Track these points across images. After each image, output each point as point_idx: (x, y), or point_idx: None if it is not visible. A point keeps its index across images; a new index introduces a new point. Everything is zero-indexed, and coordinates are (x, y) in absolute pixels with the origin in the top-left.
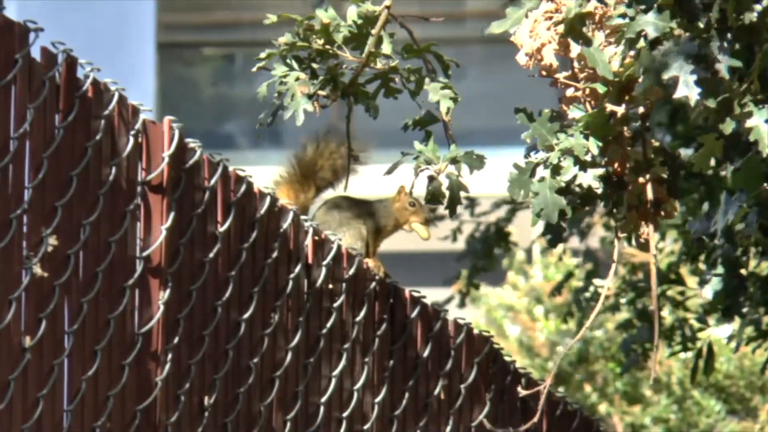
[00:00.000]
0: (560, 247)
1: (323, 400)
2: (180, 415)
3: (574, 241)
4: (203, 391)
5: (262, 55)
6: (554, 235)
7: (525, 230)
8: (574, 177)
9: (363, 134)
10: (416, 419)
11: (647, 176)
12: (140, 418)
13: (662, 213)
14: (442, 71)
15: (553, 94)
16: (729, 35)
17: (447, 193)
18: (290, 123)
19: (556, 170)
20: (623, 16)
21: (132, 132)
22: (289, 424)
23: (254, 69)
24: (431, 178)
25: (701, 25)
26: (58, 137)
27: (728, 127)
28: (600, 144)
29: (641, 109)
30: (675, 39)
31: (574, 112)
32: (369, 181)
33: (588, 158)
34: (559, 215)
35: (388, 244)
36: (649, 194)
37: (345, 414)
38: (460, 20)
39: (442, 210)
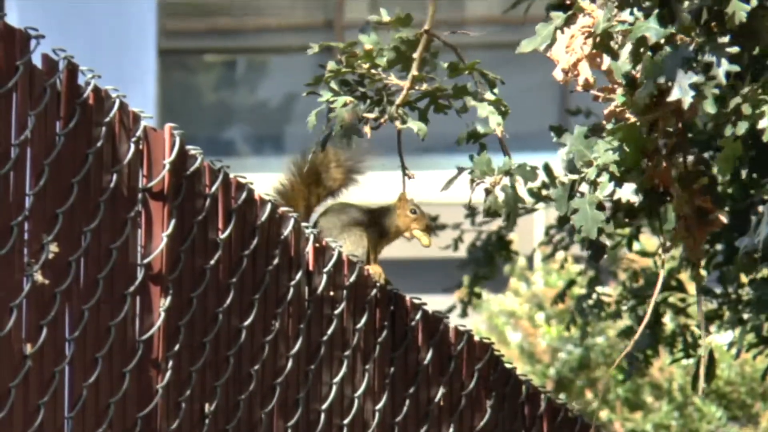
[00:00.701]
0: (561, 253)
1: (324, 407)
2: (181, 422)
3: (576, 248)
4: (204, 398)
5: (311, 80)
6: (595, 250)
7: (526, 236)
8: (613, 192)
9: (370, 143)
10: (417, 426)
11: (692, 187)
12: (141, 425)
13: (709, 223)
14: (488, 87)
15: (556, 100)
16: (727, 39)
17: (504, 206)
18: (290, 129)
19: (594, 186)
20: (625, 22)
21: (133, 139)
22: (290, 431)
23: (304, 94)
24: (488, 192)
25: (696, 29)
26: (59, 144)
27: (741, 128)
28: (636, 156)
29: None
30: (674, 44)
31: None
32: (376, 188)
33: (623, 172)
34: (599, 231)
35: (390, 251)
36: (694, 205)
37: (346, 421)
38: (460, 26)
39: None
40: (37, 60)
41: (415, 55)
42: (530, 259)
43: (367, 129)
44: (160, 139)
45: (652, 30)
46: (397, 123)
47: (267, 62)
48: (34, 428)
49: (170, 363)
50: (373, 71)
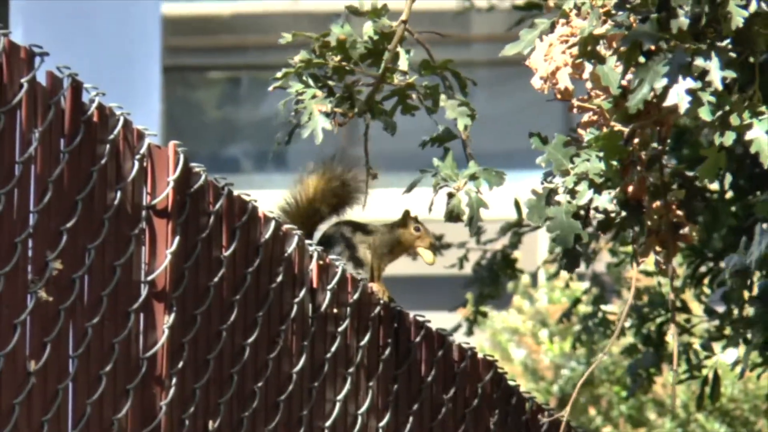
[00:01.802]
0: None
1: (328, 424)
2: None
3: (581, 266)
4: (208, 416)
5: (279, 74)
6: (571, 259)
7: (530, 254)
8: (590, 201)
9: (378, 157)
10: None
11: (666, 200)
12: None
13: (682, 237)
14: (459, 89)
15: (560, 116)
16: (723, 44)
17: (467, 210)
18: (295, 146)
19: (572, 194)
20: (620, 25)
21: (137, 156)
22: None
23: (271, 88)
24: (450, 195)
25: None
26: (63, 161)
27: (729, 139)
28: (615, 166)
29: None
30: (669, 49)
31: (589, 136)
32: (385, 203)
33: (603, 181)
34: (575, 239)
35: (393, 268)
36: (669, 218)
37: None
38: (467, 43)
39: (462, 229)
40: (41, 77)
41: (389, 47)
42: (534, 277)
43: (335, 124)
44: (164, 157)
45: (646, 35)
46: (367, 117)
47: (270, 79)
48: None
49: (174, 380)
50: (344, 63)
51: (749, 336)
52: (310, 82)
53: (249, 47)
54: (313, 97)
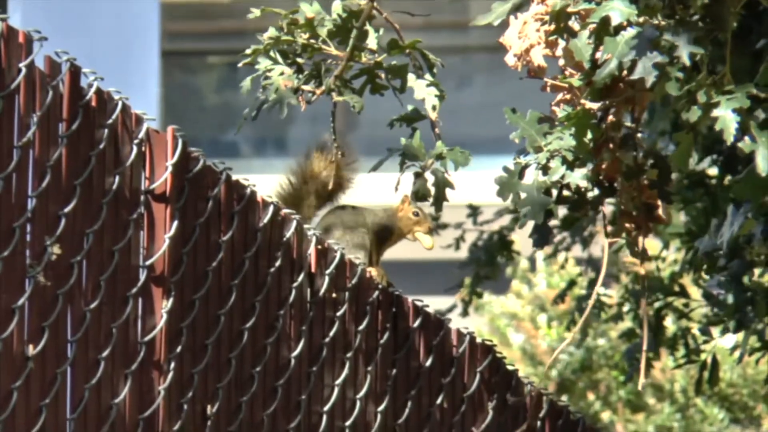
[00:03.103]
0: (563, 255)
1: (326, 408)
2: (183, 424)
3: (577, 250)
4: (206, 400)
5: (248, 51)
6: (541, 235)
7: (528, 239)
8: (562, 177)
9: (363, 144)
10: (419, 428)
11: (639, 180)
12: (143, 426)
13: (655, 218)
14: (428, 69)
15: (546, 103)
16: (692, 20)
17: (432, 190)
18: (294, 132)
19: (544, 171)
20: (591, 1)
21: (135, 141)
22: None
23: (240, 65)
24: (417, 175)
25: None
26: (61, 146)
27: (694, 115)
28: (588, 144)
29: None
30: (638, 24)
31: (562, 114)
32: (370, 189)
33: (575, 158)
34: (546, 215)
35: (391, 253)
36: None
37: (348, 423)
38: (464, 29)
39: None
40: (39, 62)
41: (357, 25)
42: (532, 261)
43: (302, 101)
44: (163, 141)
45: (616, 10)
46: (334, 95)
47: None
48: (36, 430)
49: (172, 365)
50: (312, 41)
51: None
52: (279, 58)
53: (248, 32)
54: (281, 74)
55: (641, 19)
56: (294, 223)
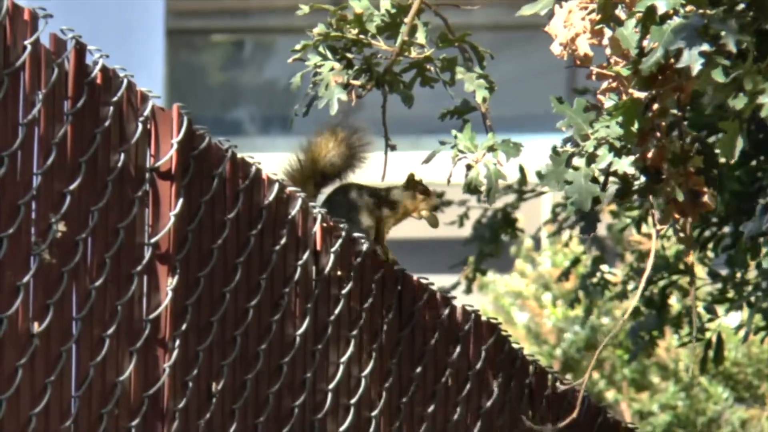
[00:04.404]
0: (567, 233)
1: (331, 386)
2: (188, 402)
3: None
4: (211, 378)
5: (297, 47)
6: (588, 222)
7: (533, 218)
8: (610, 164)
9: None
10: (424, 406)
11: (685, 167)
12: (148, 404)
13: (701, 204)
14: (477, 61)
15: (563, 82)
16: (738, 9)
17: (485, 181)
18: (300, 110)
19: (591, 159)
20: None
21: (141, 118)
22: (297, 411)
23: (290, 60)
24: (469, 167)
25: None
26: (66, 124)
27: (740, 102)
28: (635, 132)
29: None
30: (684, 15)
31: (609, 103)
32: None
33: (623, 145)
34: (594, 202)
35: (396, 231)
36: (687, 186)
37: (353, 401)
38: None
39: (479, 198)
40: (45, 40)
41: (407, 20)
42: (537, 241)
43: (352, 96)
44: (168, 119)
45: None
46: (385, 89)
47: (274, 42)
48: (41, 407)
49: (177, 342)
50: (362, 36)
51: (753, 299)
52: (328, 54)
53: (253, 10)
54: (331, 69)
55: (687, 8)
56: (299, 201)
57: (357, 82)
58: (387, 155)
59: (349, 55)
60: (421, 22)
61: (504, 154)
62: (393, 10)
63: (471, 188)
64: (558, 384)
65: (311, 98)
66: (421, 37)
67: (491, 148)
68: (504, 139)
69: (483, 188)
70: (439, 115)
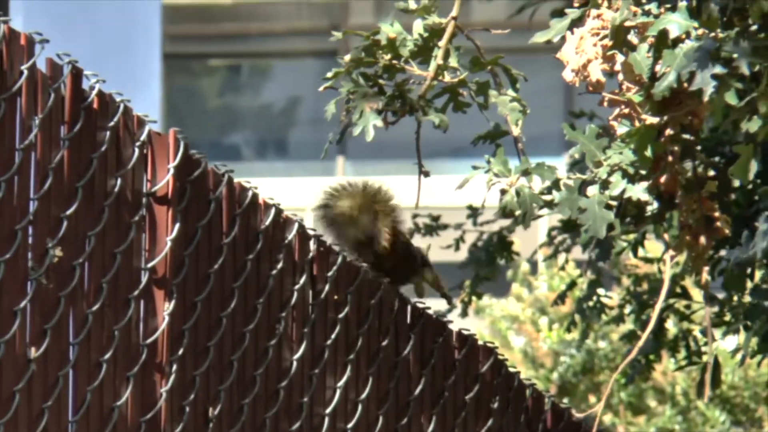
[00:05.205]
0: (563, 257)
1: (328, 411)
2: (185, 426)
3: (577, 252)
4: (208, 402)
5: (329, 74)
6: (603, 249)
7: (529, 241)
8: (623, 191)
9: (372, 145)
10: (420, 430)
11: (699, 193)
12: (145, 429)
13: (714, 230)
14: (510, 84)
15: (561, 105)
16: (751, 31)
17: (519, 206)
18: (295, 135)
19: (604, 185)
20: (648, 13)
21: (137, 143)
22: None
23: (321, 89)
24: (503, 192)
25: (719, 23)
26: (63, 148)
27: (754, 125)
28: (649, 157)
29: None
30: (696, 38)
31: (621, 129)
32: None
33: (636, 172)
34: (608, 229)
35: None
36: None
37: (350, 425)
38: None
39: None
40: (41, 64)
41: (441, 44)
42: (534, 265)
43: (385, 122)
44: (165, 144)
45: (674, 23)
46: (419, 115)
47: (272, 66)
48: None
49: (174, 367)
50: (395, 62)
51: (749, 323)
52: (361, 80)
53: (251, 35)
54: (365, 95)
55: (699, 31)
56: (296, 226)
57: (390, 108)
58: (420, 182)
59: (381, 81)
60: (453, 46)
61: (539, 177)
62: (426, 34)
63: (506, 213)
64: (573, 412)
65: (345, 125)
66: (453, 60)
67: (525, 172)
68: (538, 163)
69: (518, 212)
70: (472, 140)
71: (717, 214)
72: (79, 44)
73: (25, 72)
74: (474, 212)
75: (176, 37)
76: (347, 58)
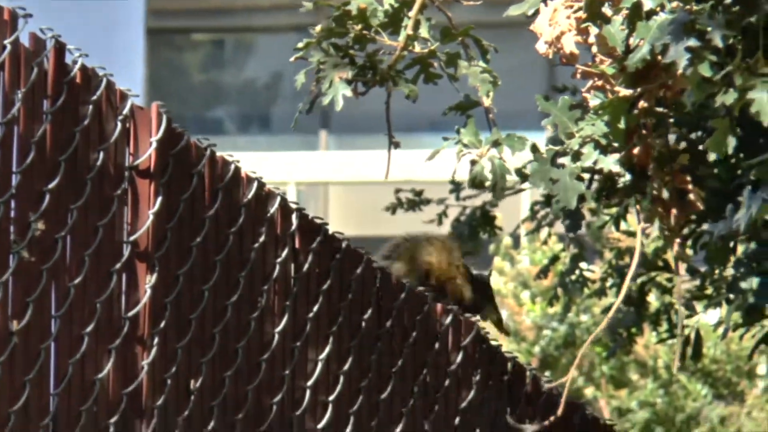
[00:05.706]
0: (545, 231)
1: (310, 383)
2: (166, 399)
3: (560, 226)
4: (190, 375)
5: (300, 44)
6: (573, 220)
7: (511, 215)
8: (595, 162)
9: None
10: (403, 403)
11: (671, 166)
12: (126, 401)
13: (687, 204)
14: (481, 55)
15: (543, 79)
16: (725, 4)
17: (490, 176)
18: (277, 109)
19: (576, 157)
20: None
21: (120, 117)
22: (275, 408)
23: (292, 59)
24: (473, 163)
25: None
26: (46, 122)
27: (730, 98)
28: (621, 129)
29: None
30: (671, 10)
31: (595, 101)
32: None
33: (608, 143)
34: (579, 200)
35: (372, 230)
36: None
37: (332, 398)
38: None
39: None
40: (24, 39)
41: (411, 14)
42: (516, 239)
43: (355, 92)
44: (147, 118)
45: None
46: (389, 85)
47: (255, 41)
48: (20, 405)
49: (156, 340)
50: (365, 32)
51: (731, 297)
52: (332, 51)
53: (234, 9)
54: (335, 66)
55: (674, 4)
56: (278, 199)
57: (360, 79)
58: (390, 153)
59: (351, 52)
60: (424, 17)
61: (509, 148)
62: (396, 5)
63: (476, 183)
64: (544, 383)
65: (315, 95)
66: (424, 32)
67: (496, 143)
68: (509, 134)
69: (488, 183)
70: (443, 111)
71: (690, 187)
72: (62, 19)
73: (9, 46)
74: (457, 187)
75: (160, 11)
76: (318, 28)
